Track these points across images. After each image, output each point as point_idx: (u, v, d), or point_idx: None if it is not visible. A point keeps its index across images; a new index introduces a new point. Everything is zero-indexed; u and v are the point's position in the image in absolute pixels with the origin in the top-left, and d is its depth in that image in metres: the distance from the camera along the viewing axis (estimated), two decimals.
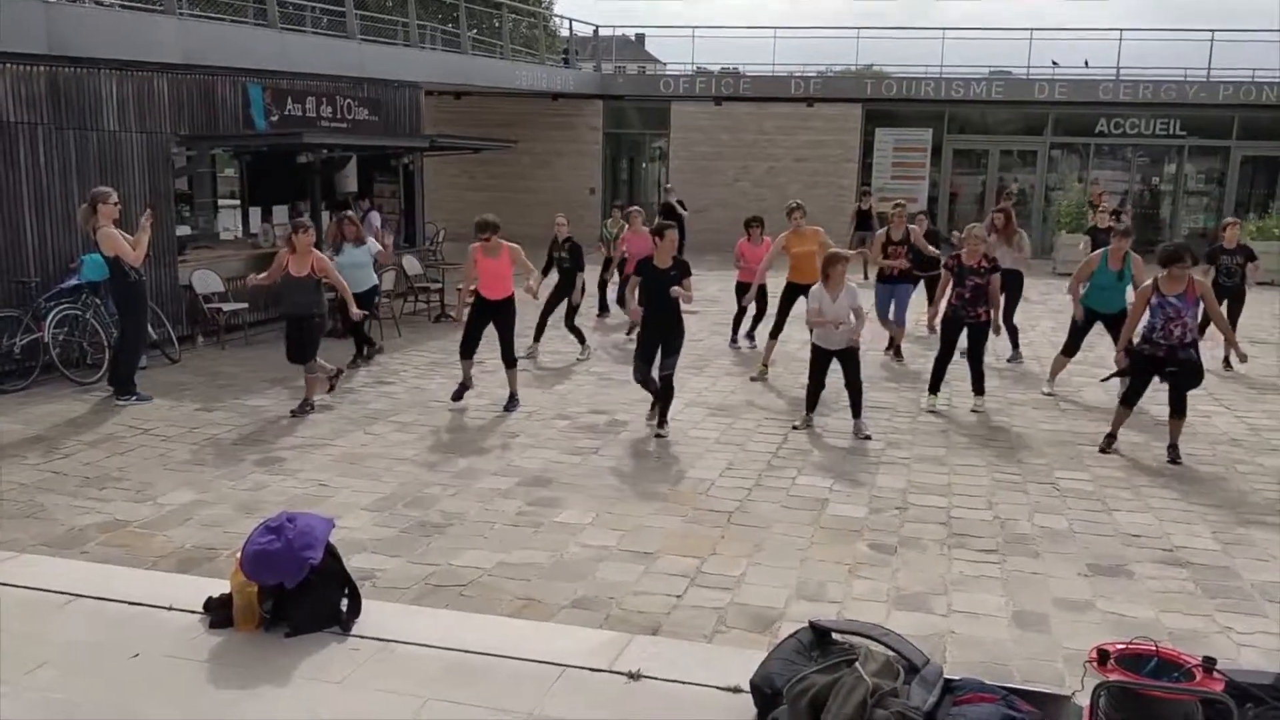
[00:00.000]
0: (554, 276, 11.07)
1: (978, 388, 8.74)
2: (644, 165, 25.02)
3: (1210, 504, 6.39)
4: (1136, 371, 7.44)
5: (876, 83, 22.67)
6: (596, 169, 23.21)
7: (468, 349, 8.49)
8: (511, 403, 8.47)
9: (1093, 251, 14.02)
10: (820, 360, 8.01)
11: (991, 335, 8.75)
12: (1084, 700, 3.26)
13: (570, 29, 25.26)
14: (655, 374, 7.80)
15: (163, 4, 11.24)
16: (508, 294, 8.46)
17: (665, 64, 29.12)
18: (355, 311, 8.79)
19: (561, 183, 22.89)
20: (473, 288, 8.44)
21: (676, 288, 7.58)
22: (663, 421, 7.83)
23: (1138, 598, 4.98)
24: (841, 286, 7.77)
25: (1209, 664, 3.16)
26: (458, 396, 8.48)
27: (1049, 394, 9.32)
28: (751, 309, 11.04)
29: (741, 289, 11.20)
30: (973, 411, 8.61)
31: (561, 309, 11.01)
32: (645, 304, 7.78)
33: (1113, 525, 5.98)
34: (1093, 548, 5.62)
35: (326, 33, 15.61)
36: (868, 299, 9.37)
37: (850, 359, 7.91)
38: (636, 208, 12.46)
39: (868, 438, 7.71)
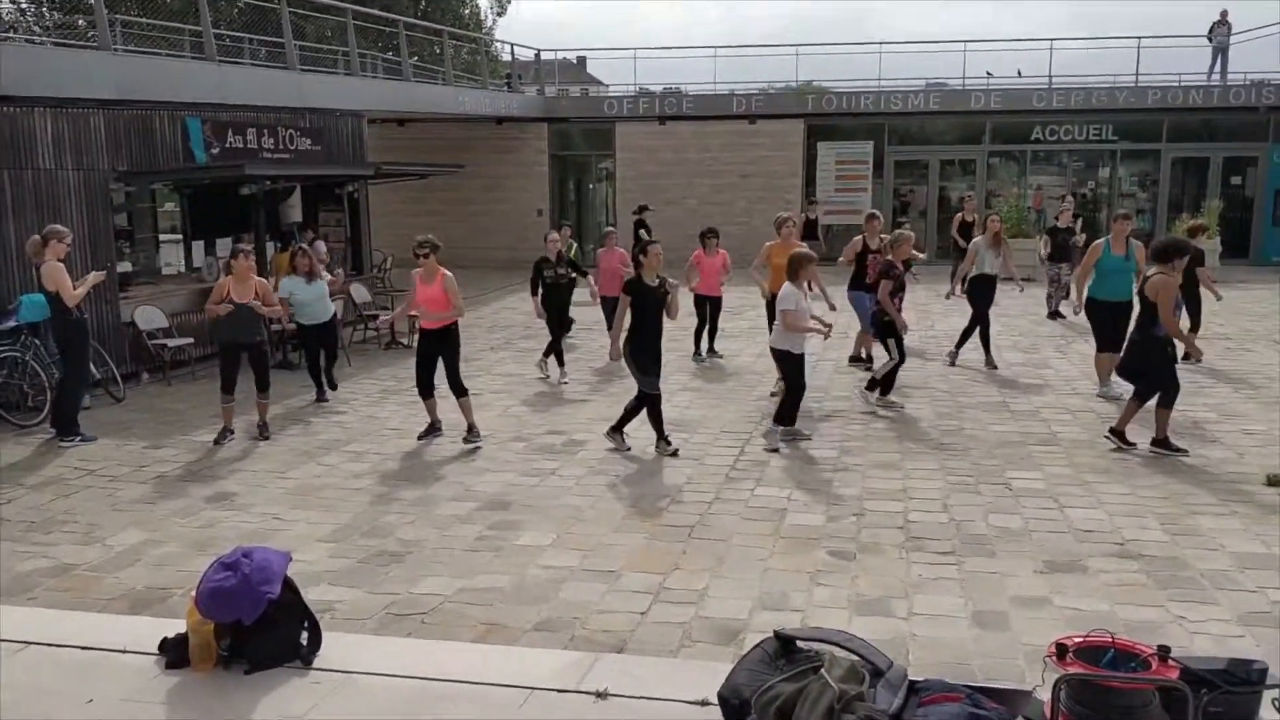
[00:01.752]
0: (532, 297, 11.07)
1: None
2: (591, 186, 25.09)
3: (1158, 497, 6.54)
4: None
5: (817, 98, 23.01)
6: (544, 191, 23.23)
7: (425, 387, 8.20)
8: (471, 435, 8.12)
9: (1051, 248, 14.30)
10: (800, 365, 8.00)
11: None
12: (1045, 694, 3.31)
13: (512, 53, 25.31)
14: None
15: (97, 40, 11.08)
16: (446, 323, 8.12)
17: (608, 85, 29.26)
18: (286, 324, 8.77)
19: (509, 205, 22.88)
20: (413, 315, 8.40)
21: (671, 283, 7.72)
22: (617, 430, 7.85)
23: (1093, 592, 5.08)
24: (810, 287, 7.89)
25: (1164, 653, 3.22)
26: (425, 436, 8.26)
27: (1102, 395, 9.29)
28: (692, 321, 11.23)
29: (700, 301, 11.28)
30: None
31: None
32: (635, 321, 7.71)
33: (1066, 522, 6.09)
34: (1047, 545, 5.72)
35: (266, 64, 15.48)
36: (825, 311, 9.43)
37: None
38: (612, 228, 12.56)
39: (809, 437, 7.92)
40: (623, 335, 7.85)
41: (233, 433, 8.35)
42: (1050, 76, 22.20)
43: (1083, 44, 41.32)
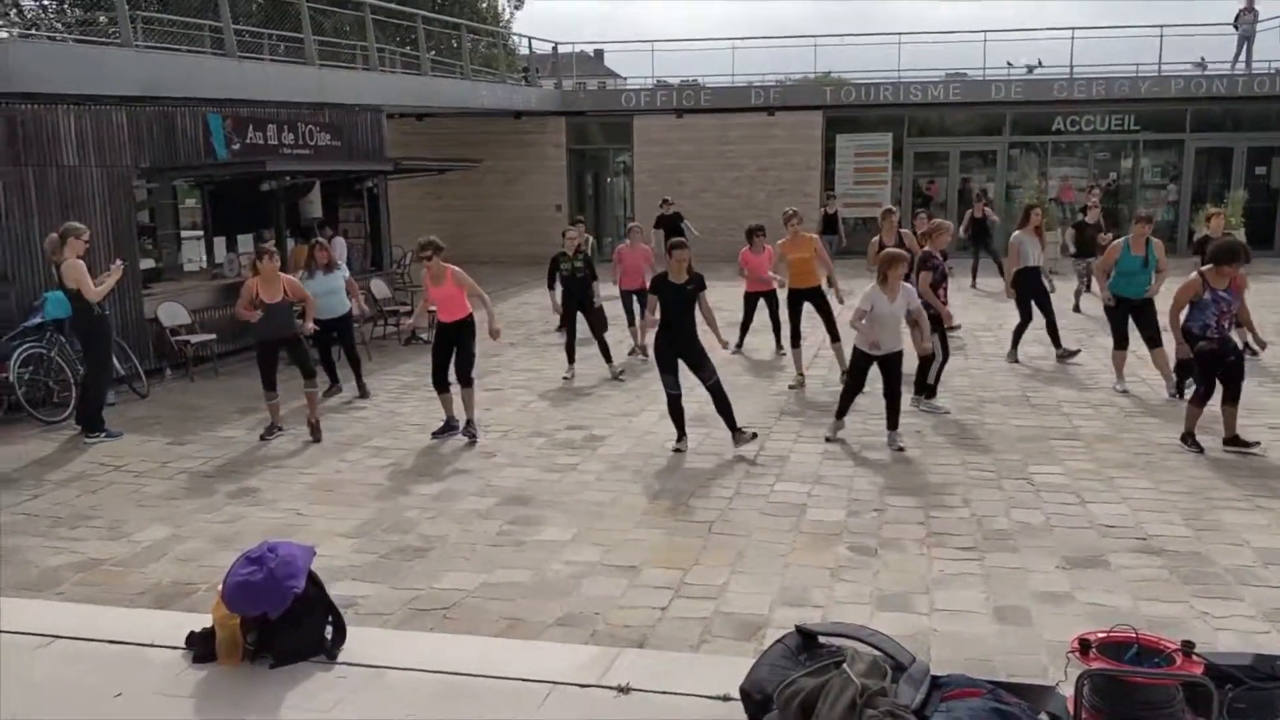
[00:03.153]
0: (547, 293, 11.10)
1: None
2: (609, 180, 25.09)
3: (1181, 491, 6.49)
4: (1207, 368, 7.35)
5: (835, 89, 22.89)
6: (562, 185, 23.24)
7: (441, 381, 8.25)
8: (468, 428, 8.12)
9: (1077, 243, 14.18)
10: (861, 365, 7.72)
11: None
12: (1068, 690, 3.30)
13: (530, 47, 25.32)
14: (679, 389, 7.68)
15: (119, 36, 11.17)
16: (464, 314, 8.20)
17: (625, 78, 29.22)
18: (309, 326, 8.65)
19: (527, 200, 22.91)
20: (431, 308, 8.36)
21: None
22: (735, 429, 7.63)
23: (1115, 587, 5.05)
24: (899, 289, 7.51)
25: (1188, 648, 3.22)
26: (440, 434, 8.22)
27: (1122, 390, 9.21)
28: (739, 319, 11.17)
29: (750, 299, 11.21)
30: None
31: (582, 324, 10.84)
32: (662, 319, 7.65)
33: (1087, 517, 6.06)
34: (1069, 540, 5.69)
35: (285, 59, 15.56)
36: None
37: (893, 366, 7.64)
38: (636, 224, 12.50)
39: (901, 449, 7.54)
40: (652, 331, 7.84)
41: (282, 429, 8.40)
42: (1072, 66, 22.03)
43: (1105, 33, 40.87)
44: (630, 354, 11.54)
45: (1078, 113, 21.77)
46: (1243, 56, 21.60)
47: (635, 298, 11.51)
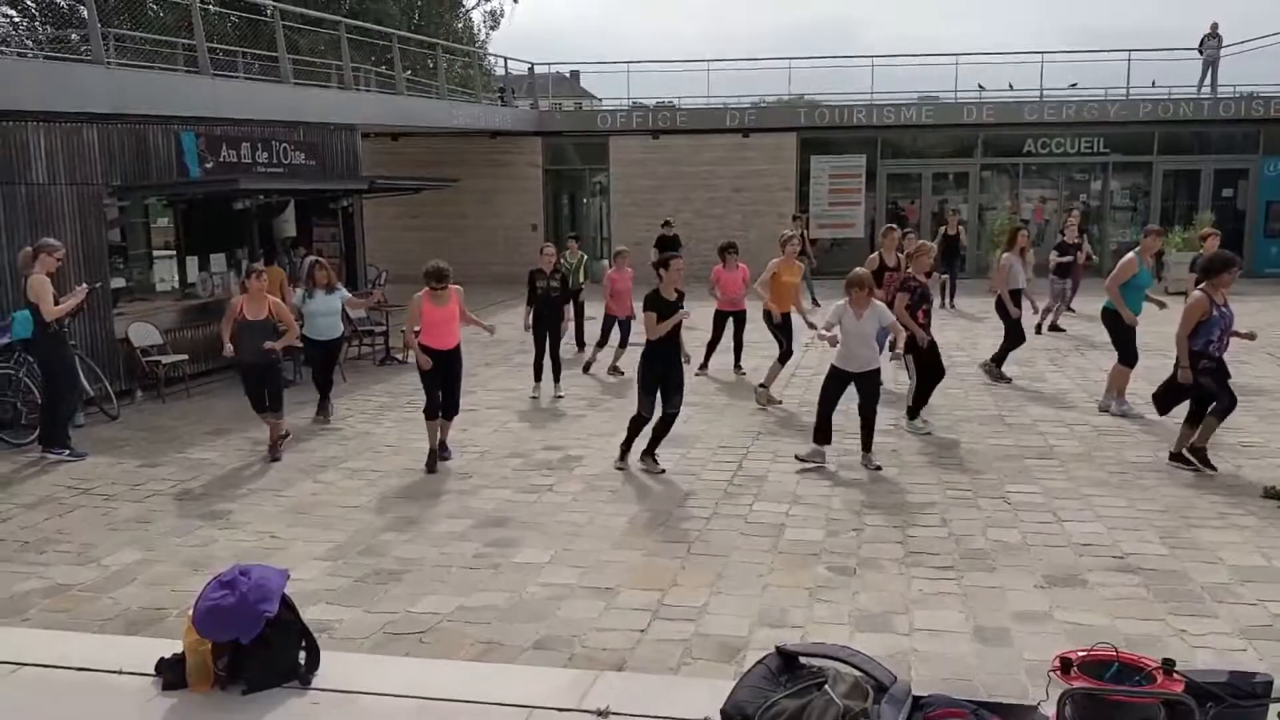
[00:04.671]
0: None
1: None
2: (585, 200, 25.13)
3: (1156, 510, 6.53)
4: (1221, 382, 7.29)
5: (810, 111, 23.09)
6: (538, 205, 23.24)
7: (434, 409, 8.01)
8: (443, 451, 8.07)
9: (1058, 264, 14.28)
10: (837, 382, 7.70)
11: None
12: (1050, 709, 3.29)
13: (505, 67, 25.38)
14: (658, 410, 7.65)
15: (90, 53, 11.07)
16: (457, 342, 8.14)
17: (601, 99, 29.31)
18: (279, 346, 8.48)
19: (503, 220, 22.88)
20: (417, 331, 8.02)
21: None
22: (650, 452, 7.70)
23: (1093, 606, 5.07)
24: (867, 306, 7.54)
25: (1169, 666, 3.21)
26: (433, 467, 7.87)
27: (1121, 413, 9.11)
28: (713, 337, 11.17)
29: (721, 317, 11.22)
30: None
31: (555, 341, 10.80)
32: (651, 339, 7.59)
33: (1064, 536, 6.08)
34: (1047, 559, 5.70)
35: (259, 78, 15.49)
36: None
37: (870, 384, 7.67)
38: (624, 248, 12.43)
39: (878, 468, 7.54)
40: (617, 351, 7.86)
41: (288, 434, 8.60)
42: (1042, 89, 22.34)
43: (1073, 58, 41.52)
44: (610, 373, 11.54)
45: (1048, 135, 22.07)
46: (1208, 80, 22.00)
47: (618, 324, 11.52)
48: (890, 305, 8.17)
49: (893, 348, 7.89)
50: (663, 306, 7.55)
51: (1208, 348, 7.24)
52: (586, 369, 11.75)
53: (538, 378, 10.64)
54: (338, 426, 9.46)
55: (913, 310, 8.51)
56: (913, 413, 8.81)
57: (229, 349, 8.34)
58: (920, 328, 8.49)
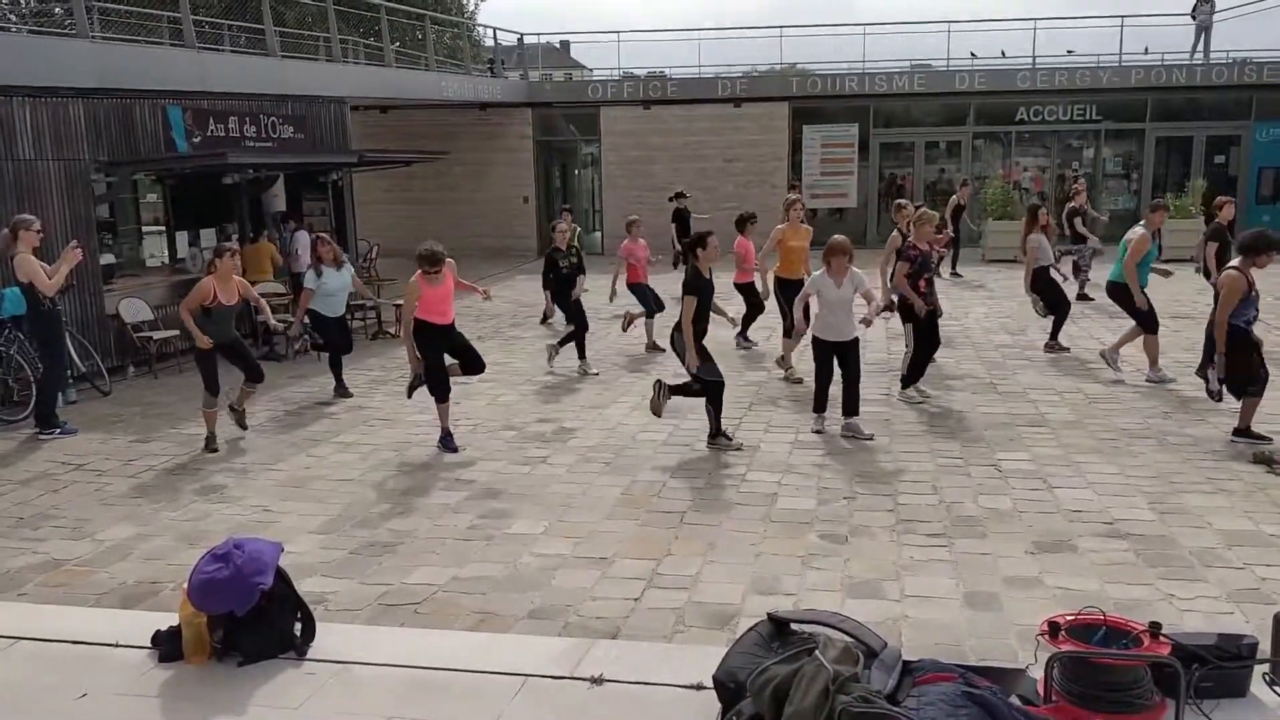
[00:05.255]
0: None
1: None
2: (576, 171, 24.99)
3: (1146, 476, 6.58)
4: (1260, 356, 7.19)
5: (802, 80, 22.96)
6: (529, 177, 23.13)
7: (445, 388, 7.71)
8: (448, 440, 7.70)
9: (1073, 231, 14.17)
10: (823, 353, 7.73)
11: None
12: (1038, 672, 3.33)
13: (495, 38, 25.14)
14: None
15: (75, 27, 10.95)
16: (452, 314, 7.87)
17: (591, 70, 29.08)
18: (273, 320, 8.63)
19: (494, 192, 22.77)
20: (415, 316, 7.54)
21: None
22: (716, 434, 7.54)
23: (1083, 571, 5.11)
24: (845, 274, 7.57)
25: (1155, 629, 3.26)
26: (453, 448, 7.61)
27: (1158, 379, 9.07)
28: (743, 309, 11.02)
29: (747, 290, 10.97)
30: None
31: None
32: (696, 313, 7.46)
33: (1055, 503, 6.12)
34: (1037, 526, 5.75)
35: (246, 51, 15.34)
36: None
37: (851, 352, 7.68)
38: (636, 217, 12.10)
39: (870, 437, 7.53)
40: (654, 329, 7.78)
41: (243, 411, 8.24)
42: (1034, 56, 22.24)
43: (1066, 24, 41.34)
44: (648, 350, 11.28)
45: (1040, 103, 21.99)
46: (1200, 46, 21.91)
47: (645, 290, 11.36)
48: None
49: (866, 323, 7.79)
50: (704, 286, 7.42)
51: (1247, 325, 7.09)
52: (650, 349, 11.29)
53: (581, 355, 10.43)
54: (330, 400, 9.46)
55: (913, 279, 8.48)
56: (906, 381, 8.82)
57: (205, 340, 7.67)
58: (920, 297, 8.47)
